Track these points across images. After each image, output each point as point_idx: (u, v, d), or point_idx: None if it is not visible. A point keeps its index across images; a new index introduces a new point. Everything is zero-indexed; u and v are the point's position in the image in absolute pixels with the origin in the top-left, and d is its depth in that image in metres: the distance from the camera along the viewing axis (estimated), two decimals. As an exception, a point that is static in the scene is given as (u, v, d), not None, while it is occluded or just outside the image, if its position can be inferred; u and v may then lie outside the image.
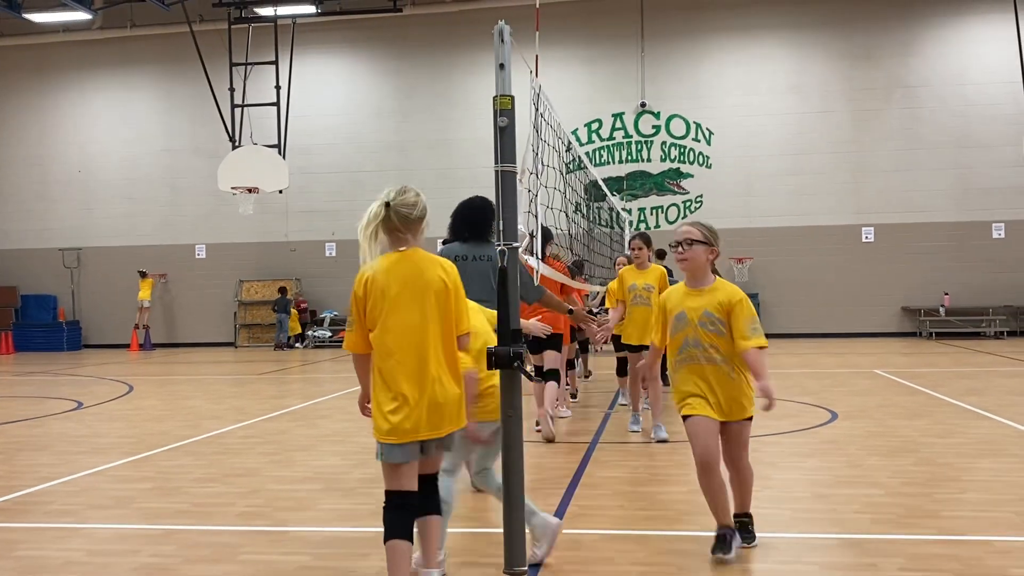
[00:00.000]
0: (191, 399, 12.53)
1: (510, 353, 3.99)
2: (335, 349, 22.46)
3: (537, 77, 5.02)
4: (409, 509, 3.66)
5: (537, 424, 8.29)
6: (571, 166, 8.29)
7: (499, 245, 4.08)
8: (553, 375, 8.47)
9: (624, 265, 8.82)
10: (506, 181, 4.03)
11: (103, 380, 15.56)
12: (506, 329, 4.05)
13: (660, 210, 22.67)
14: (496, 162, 4.03)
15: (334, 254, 24.09)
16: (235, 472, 7.21)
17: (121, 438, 9.11)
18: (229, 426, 9.72)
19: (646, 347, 8.26)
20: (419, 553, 3.89)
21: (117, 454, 8.12)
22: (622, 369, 9.69)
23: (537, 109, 5.04)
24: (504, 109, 4.01)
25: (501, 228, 4.04)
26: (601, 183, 10.63)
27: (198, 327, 24.60)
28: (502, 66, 4.00)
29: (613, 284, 8.51)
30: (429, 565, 3.86)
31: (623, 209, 15.20)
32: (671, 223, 22.28)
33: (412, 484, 3.65)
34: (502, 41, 3.99)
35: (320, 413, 10.73)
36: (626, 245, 13.07)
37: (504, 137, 4.04)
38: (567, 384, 11.23)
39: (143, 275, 24.04)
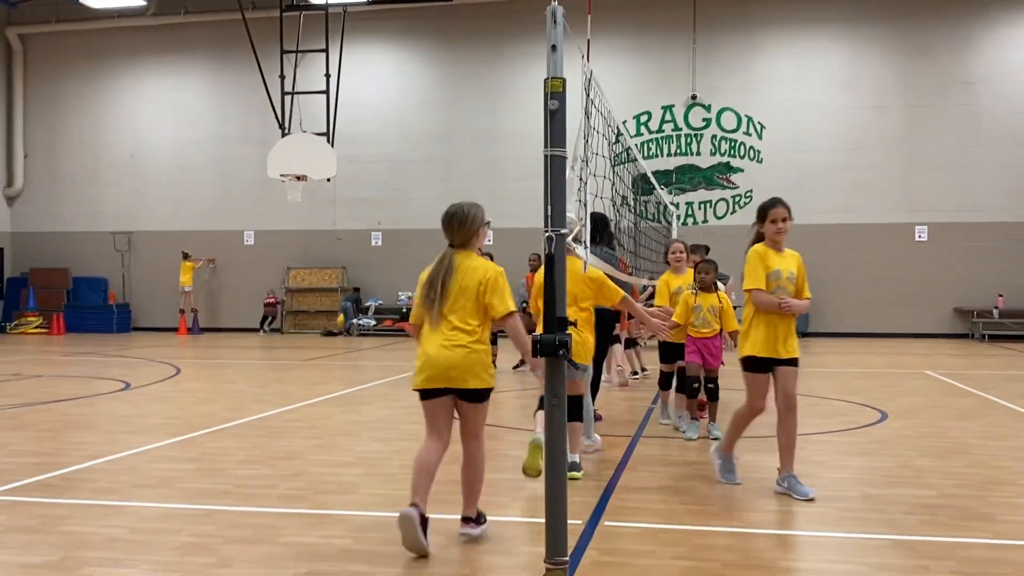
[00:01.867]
0: (236, 383, 12.65)
1: (555, 341, 3.94)
2: (379, 337, 22.57)
3: (588, 62, 4.95)
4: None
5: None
6: (620, 157, 8.20)
7: (546, 232, 4.01)
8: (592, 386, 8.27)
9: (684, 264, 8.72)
10: (555, 166, 3.97)
11: (151, 362, 15.78)
12: (552, 317, 4.00)
13: (708, 205, 22.43)
14: (546, 146, 3.97)
15: (380, 243, 24.16)
16: (278, 455, 7.25)
17: (167, 419, 9.22)
18: (273, 410, 9.78)
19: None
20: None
21: (163, 434, 8.20)
22: (667, 382, 8.81)
23: (588, 95, 4.96)
24: (555, 92, 3.94)
25: (549, 214, 3.97)
26: (651, 176, 10.50)
27: (244, 312, 24.84)
28: (554, 47, 3.93)
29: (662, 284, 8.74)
30: (574, 451, 6.43)
31: (671, 203, 15.04)
32: (719, 218, 22.05)
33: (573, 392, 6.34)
34: (555, 22, 3.92)
35: (363, 400, 10.77)
36: (673, 237, 12.95)
37: (554, 121, 3.97)
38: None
39: (185, 256, 24.31)
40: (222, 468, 6.75)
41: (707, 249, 9.76)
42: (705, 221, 21.97)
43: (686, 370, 8.14)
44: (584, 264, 4.98)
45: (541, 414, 6.61)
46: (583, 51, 4.81)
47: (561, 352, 3.91)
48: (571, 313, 5.86)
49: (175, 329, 24.39)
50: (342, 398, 10.91)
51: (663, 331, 7.44)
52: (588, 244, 4.66)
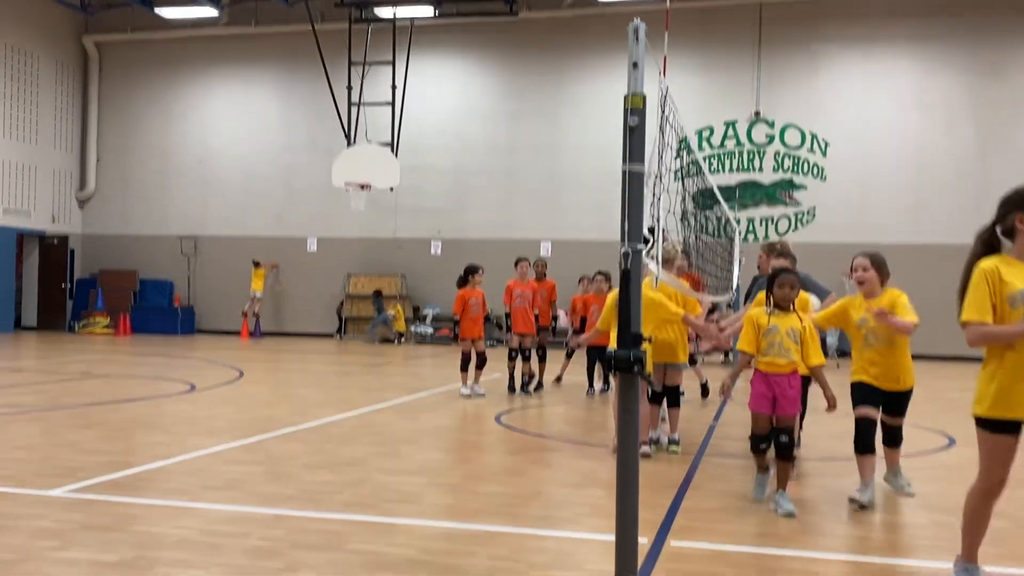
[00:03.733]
0: (298, 387, 12.79)
1: (630, 357, 3.91)
2: (436, 345, 22.67)
3: (665, 77, 4.91)
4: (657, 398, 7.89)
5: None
6: (687, 170, 8.11)
7: (622, 247, 3.99)
8: (674, 396, 8.22)
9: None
10: (634, 182, 3.94)
11: (215, 364, 16.02)
12: (626, 333, 3.97)
13: (770, 221, 22.15)
14: (624, 162, 3.94)
15: (439, 252, 24.28)
16: (342, 461, 7.29)
17: (232, 421, 9.34)
18: (335, 415, 9.86)
19: None
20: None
21: (229, 437, 8.31)
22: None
23: (663, 111, 4.92)
24: (635, 108, 3.91)
25: (626, 230, 3.95)
26: (716, 191, 10.39)
27: (305, 317, 25.12)
28: (635, 65, 3.90)
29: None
30: (674, 430, 7.52)
31: (735, 219, 14.89)
32: (781, 235, 21.75)
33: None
34: (636, 40, 3.89)
35: (422, 408, 10.82)
36: (735, 255, 12.80)
37: (634, 137, 3.94)
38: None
39: (256, 265, 24.67)
40: (288, 472, 6.81)
41: (793, 259, 7.79)
42: (767, 238, 21.68)
43: (752, 420, 6.20)
44: (655, 280, 4.93)
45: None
46: (659, 66, 4.77)
47: (636, 368, 3.88)
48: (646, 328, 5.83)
49: (237, 332, 24.76)
50: (402, 406, 10.97)
51: (721, 341, 7.52)
52: (660, 260, 4.60)
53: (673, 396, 8.09)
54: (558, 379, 13.52)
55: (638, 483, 4.05)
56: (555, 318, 13.47)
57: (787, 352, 6.11)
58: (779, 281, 6.19)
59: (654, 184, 4.94)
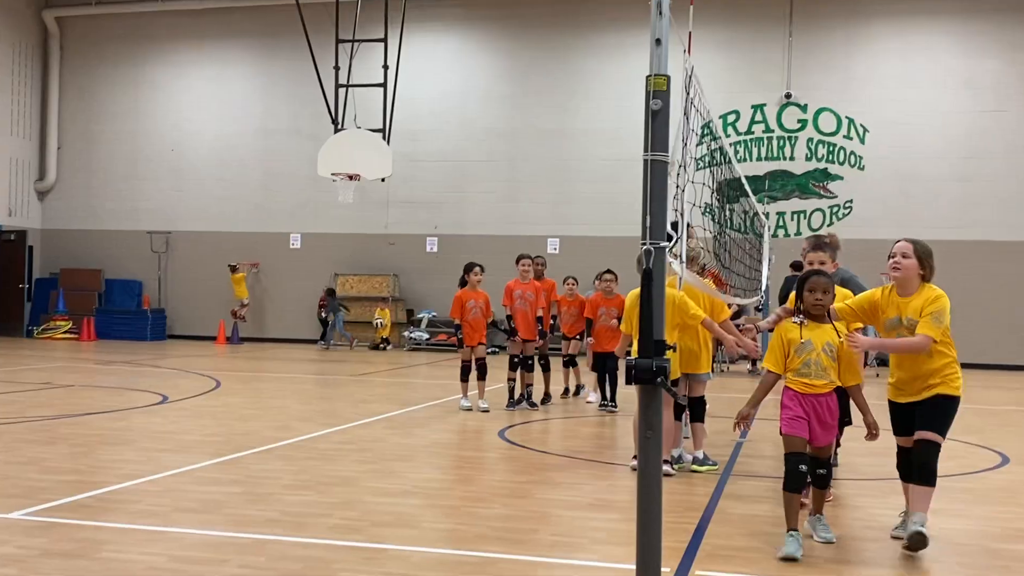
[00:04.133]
0: (280, 399, 12.77)
1: (652, 367, 3.89)
2: (432, 352, 22.66)
3: (690, 55, 4.90)
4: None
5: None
6: (712, 159, 8.09)
7: (644, 244, 3.98)
8: (697, 409, 8.19)
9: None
10: (656, 172, 3.93)
11: (188, 373, 16.02)
12: (648, 340, 3.95)
13: (802, 215, 22.14)
14: (646, 150, 3.94)
15: (435, 249, 24.28)
16: (329, 480, 7.28)
17: (208, 436, 9.33)
18: (321, 430, 9.85)
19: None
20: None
21: (204, 454, 8.30)
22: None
23: (688, 93, 4.91)
24: (659, 90, 3.91)
25: (648, 225, 3.94)
26: (745, 182, 10.37)
27: (289, 322, 25.13)
28: (659, 41, 3.89)
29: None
30: (699, 447, 7.83)
31: (763, 212, 14.89)
32: (814, 230, 21.72)
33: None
34: (660, 13, 3.88)
35: (416, 422, 10.80)
36: (764, 253, 12.78)
37: (656, 122, 3.93)
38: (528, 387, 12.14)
39: (233, 269, 24.62)
40: (269, 493, 6.80)
41: (833, 250, 7.10)
42: (798, 233, 21.66)
43: (785, 445, 5.73)
44: (680, 281, 4.92)
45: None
46: (684, 43, 4.76)
47: (659, 379, 3.86)
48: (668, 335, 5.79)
49: (213, 338, 24.77)
50: (394, 419, 10.96)
51: (748, 348, 7.48)
52: (685, 259, 4.59)
53: (696, 409, 8.09)
54: (567, 392, 13.43)
55: (661, 507, 4.04)
56: (555, 318, 13.35)
57: (824, 371, 5.67)
58: (809, 285, 5.71)
59: (677, 174, 4.94)
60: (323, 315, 23.75)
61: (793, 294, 6.13)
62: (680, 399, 4.73)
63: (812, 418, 5.66)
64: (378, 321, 23.79)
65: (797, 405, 5.68)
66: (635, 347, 7.22)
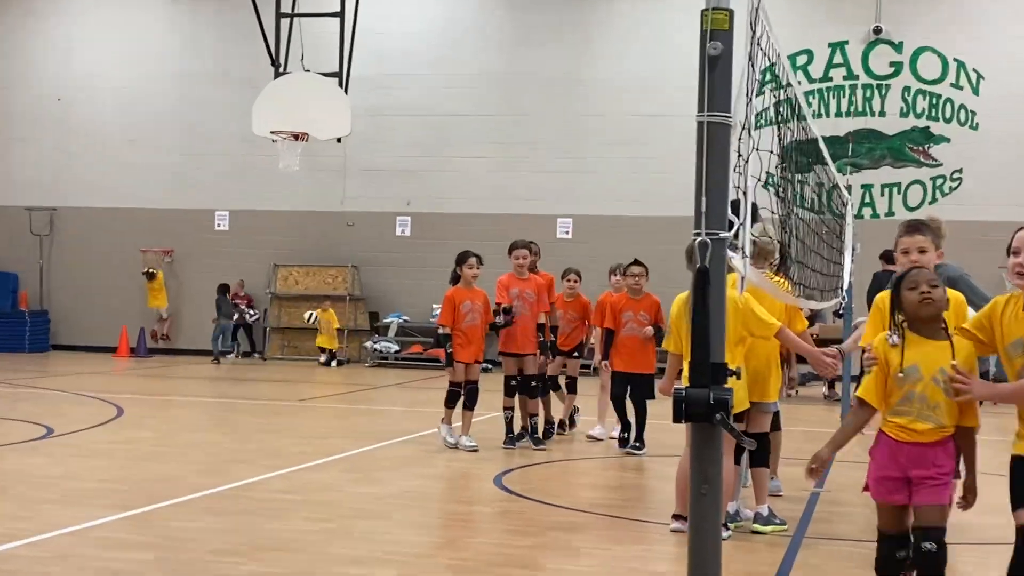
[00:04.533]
0: (204, 431, 12.75)
1: (708, 399, 3.87)
2: (403, 369, 22.64)
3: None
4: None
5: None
6: (779, 114, 8.05)
7: (698, 234, 3.95)
8: (762, 448, 8.02)
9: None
10: (715, 139, 3.91)
11: (80, 397, 15.96)
12: (703, 362, 3.92)
13: (895, 189, 22.15)
14: (701, 109, 3.90)
15: (407, 232, 24.30)
16: (272, 544, 7.24)
17: (109, 483, 9.27)
18: (260, 475, 9.81)
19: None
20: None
21: (104, 506, 8.25)
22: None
23: (754, 31, 4.87)
24: (718, 30, 3.87)
25: (704, 209, 3.91)
26: (822, 145, 10.36)
27: (212, 329, 25.08)
28: (715, -36, 3.87)
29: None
30: (761, 501, 7.86)
31: (845, 185, 14.85)
32: (912, 209, 21.72)
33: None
34: (719, -72, 3.86)
35: (385, 464, 10.76)
36: (847, 236, 12.75)
37: (715, 72, 3.90)
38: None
39: (150, 276, 24.57)
40: (193, 560, 6.76)
41: (937, 235, 6.64)
42: (890, 213, 21.66)
43: (879, 516, 5.39)
44: (741, 282, 4.87)
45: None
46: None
47: (718, 416, 3.84)
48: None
49: (112, 349, 24.71)
50: (355, 460, 10.93)
51: (830, 369, 7.37)
52: (748, 252, 4.54)
53: (760, 450, 8.05)
54: (563, 424, 13.27)
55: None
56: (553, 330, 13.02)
57: (933, 411, 5.14)
58: (909, 280, 5.25)
59: (739, 139, 4.89)
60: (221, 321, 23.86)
61: (883, 301, 5.77)
62: (746, 442, 4.56)
63: (913, 475, 5.19)
64: (317, 326, 23.63)
65: (890, 459, 5.23)
66: (686, 373, 7.22)
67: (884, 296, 5.72)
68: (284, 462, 10.60)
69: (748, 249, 4.75)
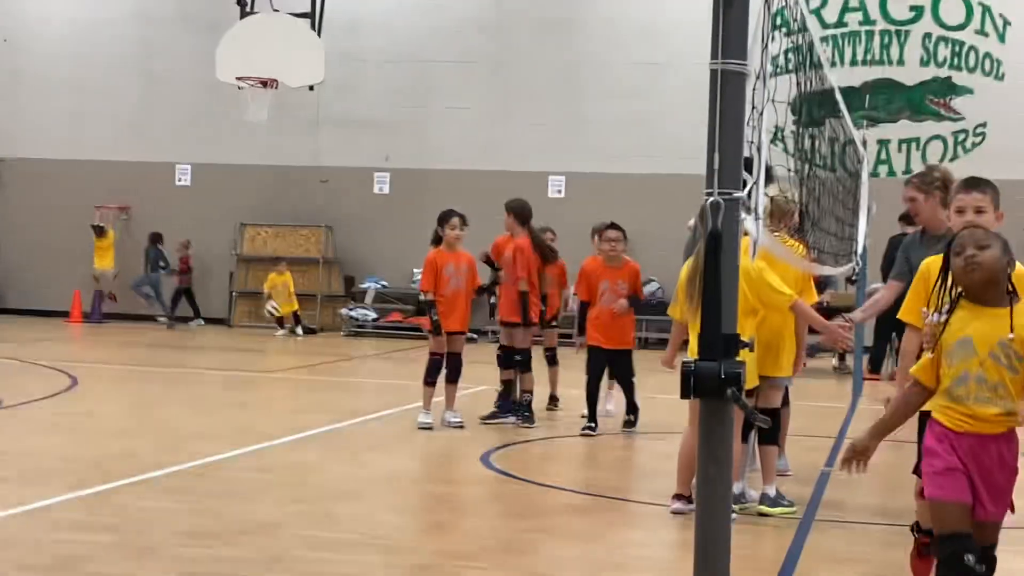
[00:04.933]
0: (167, 405, 12.73)
1: (720, 373, 3.87)
2: (382, 338, 22.63)
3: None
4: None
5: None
6: (788, 61, 8.05)
7: (709, 194, 3.95)
8: (772, 425, 7.99)
9: None
10: (730, 88, 3.90)
11: (31, 366, 15.96)
12: (714, 333, 3.93)
13: (914, 144, 22.14)
14: (715, 55, 3.90)
15: (387, 190, 24.24)
16: (242, 526, 7.26)
17: (64, 461, 9.27)
18: (228, 451, 9.82)
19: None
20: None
21: (59, 486, 8.24)
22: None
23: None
24: (733, -33, 3.88)
25: (716, 166, 3.90)
26: (839, 95, 10.36)
27: (172, 291, 25.02)
28: None
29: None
30: (769, 481, 8.02)
31: (861, 141, 14.83)
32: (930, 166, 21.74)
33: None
34: None
35: (365, 441, 10.82)
36: (861, 196, 12.75)
37: (731, 14, 3.90)
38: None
39: (100, 232, 24.45)
40: (156, 545, 6.76)
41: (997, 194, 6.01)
42: (908, 171, 21.64)
43: (932, 517, 4.93)
44: (753, 247, 4.87)
45: None
46: None
47: (731, 391, 3.85)
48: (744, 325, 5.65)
49: (65, 314, 24.64)
50: (333, 437, 10.94)
51: (845, 341, 7.40)
52: (760, 214, 4.55)
53: (770, 428, 8.07)
54: (553, 400, 13.25)
55: (728, 568, 4.05)
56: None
57: (996, 392, 4.69)
58: (956, 244, 4.83)
59: (752, 90, 4.88)
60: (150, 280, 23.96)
61: (928, 268, 5.53)
62: (761, 420, 4.51)
63: (975, 471, 4.70)
64: (270, 303, 23.53)
65: (949, 450, 4.73)
66: (692, 345, 7.22)
67: (931, 262, 5.41)
68: (254, 439, 10.59)
69: (761, 211, 4.77)
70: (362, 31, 23.92)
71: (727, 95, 3.93)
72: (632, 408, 11.76)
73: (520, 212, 12.23)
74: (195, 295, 24.73)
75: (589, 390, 11.58)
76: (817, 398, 14.63)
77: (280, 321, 23.38)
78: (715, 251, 3.96)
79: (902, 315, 5.86)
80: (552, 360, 13.13)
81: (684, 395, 3.97)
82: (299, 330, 23.29)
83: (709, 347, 3.95)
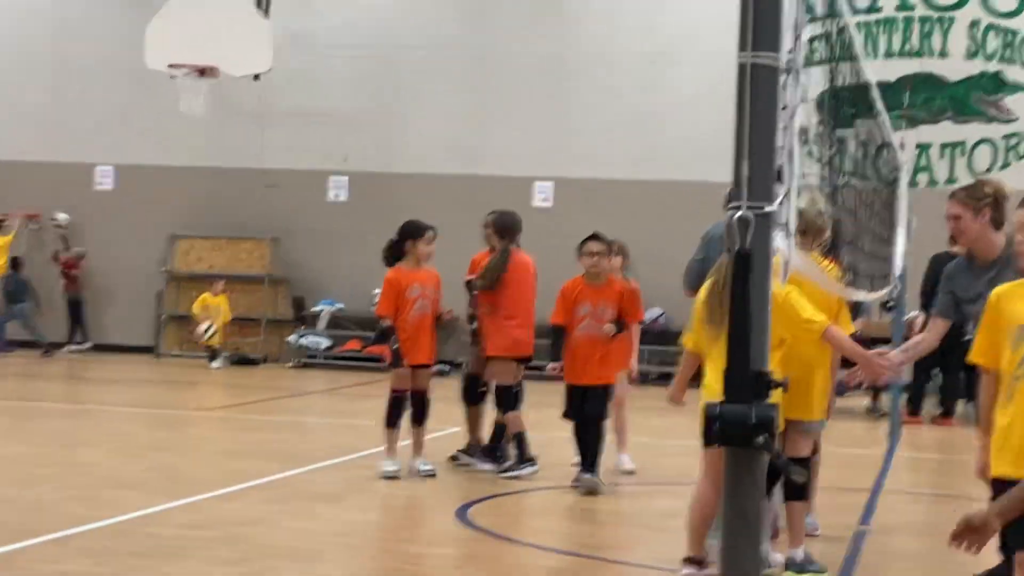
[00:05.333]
0: (82, 448, 12.69)
1: (750, 417, 3.84)
2: (336, 371, 22.59)
3: None
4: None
5: None
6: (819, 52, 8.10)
7: (736, 207, 3.92)
8: (800, 483, 7.97)
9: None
10: (761, 85, 3.88)
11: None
12: (742, 369, 3.90)
13: (959, 150, 22.24)
14: (744, 48, 3.88)
15: (344, 197, 24.24)
16: (174, 594, 7.23)
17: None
18: (155, 504, 9.76)
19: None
20: None
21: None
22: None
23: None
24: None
25: (743, 175, 3.88)
26: (875, 91, 10.41)
27: (93, 315, 24.98)
28: None
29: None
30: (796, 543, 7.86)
31: (899, 143, 14.90)
32: (977, 174, 21.82)
33: None
34: None
35: (317, 491, 10.76)
36: (899, 209, 12.79)
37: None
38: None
39: None
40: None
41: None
42: (952, 180, 21.75)
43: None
44: (784, 268, 4.87)
45: None
46: None
47: (762, 439, 3.82)
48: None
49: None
50: (279, 487, 10.92)
51: (883, 374, 7.40)
52: (793, 229, 4.54)
53: (797, 483, 8.03)
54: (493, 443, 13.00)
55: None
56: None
57: None
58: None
59: (787, 84, 4.89)
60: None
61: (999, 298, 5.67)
62: (797, 473, 4.49)
63: None
64: (206, 326, 23.47)
65: None
66: (710, 380, 7.19)
67: (1009, 292, 5.32)
68: (186, 488, 10.55)
69: (792, 226, 4.75)
70: (317, 11, 23.97)
71: (758, 93, 3.91)
72: (589, 460, 11.10)
73: (502, 227, 12.11)
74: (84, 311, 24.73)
75: (577, 438, 11.35)
76: (848, 444, 14.64)
77: (215, 352, 23.24)
78: (744, 275, 3.93)
79: (975, 357, 5.61)
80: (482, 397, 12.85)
81: (707, 443, 3.95)
82: (217, 362, 23.14)
83: (737, 387, 3.92)
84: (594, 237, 11.33)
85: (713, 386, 6.83)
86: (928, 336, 7.83)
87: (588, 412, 11.14)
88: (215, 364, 23.03)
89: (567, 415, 11.37)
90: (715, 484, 6.82)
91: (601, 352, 11.12)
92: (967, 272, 7.30)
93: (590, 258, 11.15)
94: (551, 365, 11.30)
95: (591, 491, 10.87)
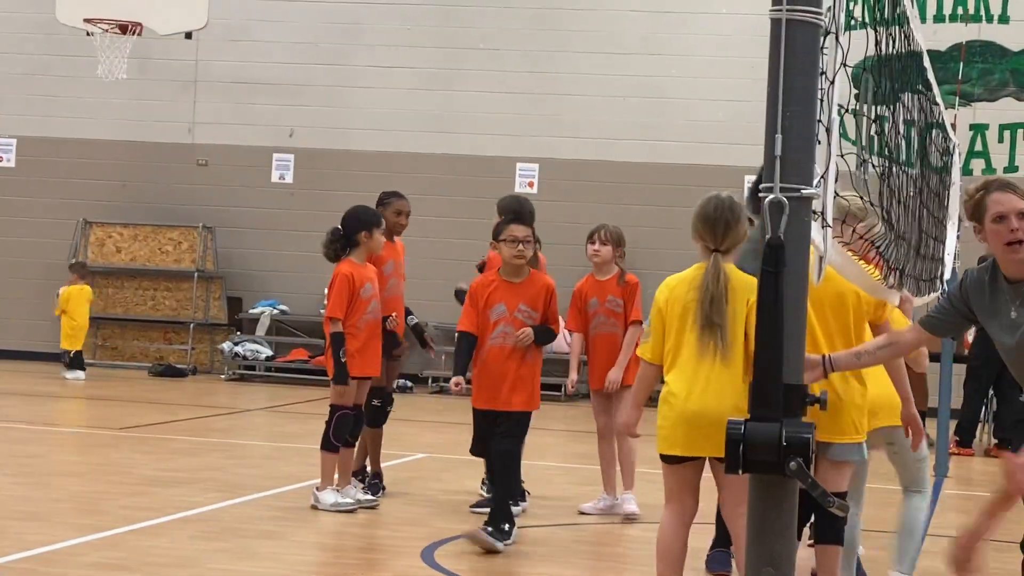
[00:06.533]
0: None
1: (780, 438, 3.87)
2: (279, 384, 22.63)
3: None
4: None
5: None
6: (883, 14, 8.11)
7: (768, 191, 3.95)
8: (832, 519, 7.93)
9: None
10: (798, 46, 3.92)
11: None
12: (773, 382, 3.93)
13: (1021, 131, 22.35)
14: (778, 1, 3.91)
15: (289, 178, 24.26)
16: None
17: None
18: (67, 538, 9.79)
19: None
20: None
21: None
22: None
23: None
24: None
25: (778, 154, 3.91)
26: (927, 62, 10.45)
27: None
28: None
29: None
30: None
31: (951, 124, 14.98)
32: (1037, 160, 21.98)
33: None
34: None
35: (256, 526, 10.80)
36: (951, 200, 12.83)
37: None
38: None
39: None
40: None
41: None
42: (1012, 168, 21.86)
43: None
44: (819, 264, 4.91)
45: None
46: None
47: (794, 464, 3.84)
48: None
49: None
50: (209, 520, 10.94)
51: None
52: (830, 219, 4.58)
53: (832, 520, 7.98)
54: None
55: None
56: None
57: None
58: None
59: (821, 49, 4.94)
60: None
61: None
62: (839, 507, 4.51)
63: None
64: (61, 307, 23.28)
65: None
66: (676, 389, 7.19)
67: None
68: (104, 520, 10.58)
69: (830, 215, 4.79)
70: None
71: (795, 54, 3.94)
72: (501, 513, 10.27)
73: (508, 214, 11.47)
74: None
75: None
76: (884, 479, 14.69)
77: (76, 357, 22.80)
78: (775, 268, 3.95)
79: None
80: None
81: (730, 468, 3.96)
82: (73, 374, 22.64)
83: (765, 402, 3.94)
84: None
85: (680, 395, 6.76)
86: None
87: (496, 446, 10.36)
88: (69, 375, 22.53)
89: (473, 449, 10.84)
90: (680, 516, 6.93)
91: (507, 365, 10.25)
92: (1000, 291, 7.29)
93: (512, 246, 10.21)
94: (453, 380, 10.71)
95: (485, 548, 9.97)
